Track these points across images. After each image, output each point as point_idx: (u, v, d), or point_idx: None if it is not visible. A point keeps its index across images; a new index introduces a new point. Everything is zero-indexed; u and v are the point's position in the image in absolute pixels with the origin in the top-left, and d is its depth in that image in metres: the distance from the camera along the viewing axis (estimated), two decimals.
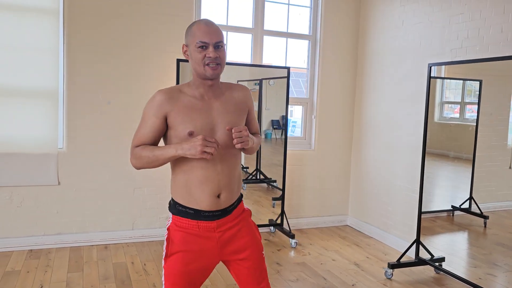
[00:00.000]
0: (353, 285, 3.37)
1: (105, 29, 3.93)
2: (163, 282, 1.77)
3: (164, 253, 1.76)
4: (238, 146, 1.67)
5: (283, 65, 4.76)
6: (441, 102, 3.82)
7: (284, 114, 4.44)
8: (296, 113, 6.98)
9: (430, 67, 3.57)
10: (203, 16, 4.32)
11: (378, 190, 4.51)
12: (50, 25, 3.77)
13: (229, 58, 4.60)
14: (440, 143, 3.83)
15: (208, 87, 1.74)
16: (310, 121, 4.84)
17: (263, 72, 4.50)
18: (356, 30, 4.85)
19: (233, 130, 1.67)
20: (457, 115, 3.71)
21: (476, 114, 3.44)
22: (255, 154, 4.64)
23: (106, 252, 3.86)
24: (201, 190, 1.72)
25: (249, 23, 4.56)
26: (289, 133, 5.66)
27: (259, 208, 4.61)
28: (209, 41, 1.66)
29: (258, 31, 4.56)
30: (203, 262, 1.76)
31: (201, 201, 1.72)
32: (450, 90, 3.90)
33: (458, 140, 3.72)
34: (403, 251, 3.68)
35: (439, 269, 3.52)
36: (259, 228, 4.48)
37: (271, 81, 4.52)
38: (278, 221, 4.44)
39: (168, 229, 1.79)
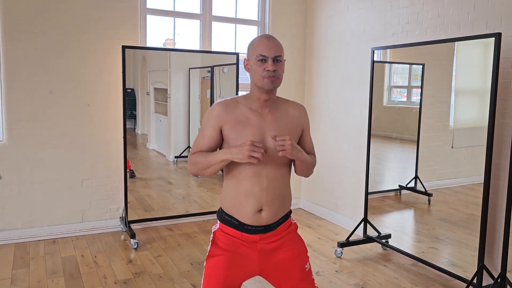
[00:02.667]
0: None
1: (45, 15, 3.76)
2: (202, 282, 1.81)
3: (207, 254, 1.81)
4: (280, 153, 1.65)
5: (233, 51, 4.74)
6: (390, 86, 3.94)
7: None
8: None
9: (373, 51, 3.67)
10: (148, 2, 4.22)
11: (329, 172, 4.62)
12: None
13: (178, 45, 4.53)
14: (388, 125, 3.96)
15: (264, 101, 1.76)
16: None
17: (214, 59, 4.47)
18: (304, 16, 4.90)
19: (277, 137, 1.67)
20: (405, 99, 3.84)
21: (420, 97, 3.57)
22: None
23: (54, 246, 3.75)
24: (244, 204, 1.74)
25: (197, 9, 4.51)
26: None
27: (214, 195, 4.62)
28: (268, 54, 1.70)
29: (206, 17, 4.51)
30: (243, 268, 1.78)
31: (244, 214, 1.75)
32: (398, 75, 4.03)
33: (405, 122, 3.86)
34: (351, 230, 3.79)
35: (385, 245, 3.67)
36: (213, 215, 4.50)
37: (225, 68, 4.50)
38: None
39: (214, 232, 1.83)
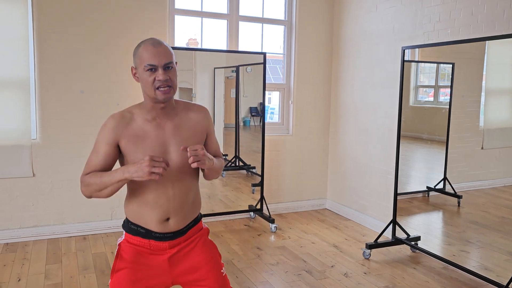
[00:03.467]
0: (332, 266, 3.43)
1: (78, 17, 3.84)
2: None
3: (111, 269, 1.70)
4: (194, 165, 1.55)
5: (259, 51, 4.74)
6: (416, 86, 3.89)
7: (262, 101, 4.44)
8: (274, 100, 6.99)
9: (404, 50, 3.62)
10: (177, 3, 4.26)
11: (355, 173, 4.58)
12: (19, 13, 3.66)
13: (205, 45, 4.56)
14: (415, 126, 3.90)
15: (160, 109, 1.66)
16: (288, 106, 4.86)
17: (239, 58, 4.48)
18: (331, 15, 4.86)
19: (188, 149, 1.56)
20: (432, 99, 3.78)
21: (449, 97, 3.51)
22: (234, 141, 4.64)
23: (85, 243, 3.83)
24: (149, 213, 1.66)
25: (224, 9, 4.53)
26: (267, 120, 5.67)
27: (239, 194, 4.63)
28: (157, 63, 1.58)
29: (233, 16, 4.53)
30: (153, 279, 1.69)
31: (150, 223, 1.67)
32: (424, 74, 3.97)
33: (432, 122, 3.80)
34: (380, 232, 3.76)
35: (414, 247, 3.62)
36: (239, 214, 4.53)
37: (248, 67, 4.51)
38: (258, 207, 4.47)
39: (119, 244, 1.73)
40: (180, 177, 1.68)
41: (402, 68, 3.65)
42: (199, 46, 4.56)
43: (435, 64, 3.76)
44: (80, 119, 3.93)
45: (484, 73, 3.28)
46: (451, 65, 3.54)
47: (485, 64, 3.26)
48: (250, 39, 4.73)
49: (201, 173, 1.79)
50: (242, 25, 4.60)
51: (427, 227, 3.81)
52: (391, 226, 3.72)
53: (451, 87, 3.51)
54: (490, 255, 3.14)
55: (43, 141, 3.84)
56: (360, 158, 4.52)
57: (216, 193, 4.58)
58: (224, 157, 4.60)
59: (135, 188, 1.67)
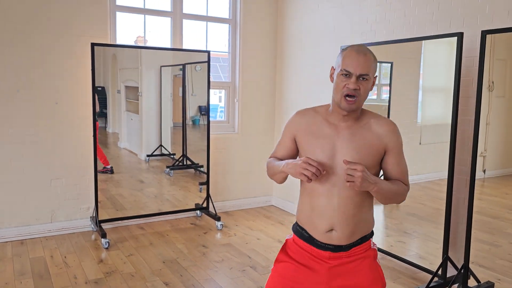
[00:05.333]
0: None
1: (11, 11, 3.67)
2: (268, 281, 1.77)
3: (275, 258, 1.78)
4: (347, 184, 1.50)
5: (204, 49, 4.73)
6: None
7: (207, 99, 4.43)
8: (224, 98, 6.98)
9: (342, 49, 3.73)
10: (119, 1, 4.17)
11: None
12: None
13: (151, 42, 4.50)
14: None
15: (342, 116, 1.63)
16: (233, 105, 4.88)
17: (186, 57, 4.45)
18: (275, 13, 4.93)
19: (347, 165, 1.48)
20: (375, 97, 3.92)
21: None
22: (182, 139, 4.61)
23: (22, 247, 3.67)
24: (315, 221, 1.66)
25: (167, 7, 4.48)
26: (216, 118, 5.66)
27: (186, 193, 4.60)
28: (353, 71, 1.55)
29: (177, 14, 4.49)
30: (309, 283, 1.68)
31: (315, 230, 1.67)
32: None
33: None
34: None
35: None
36: (185, 213, 4.50)
37: (198, 66, 4.49)
38: (204, 205, 4.46)
39: (286, 240, 1.80)
40: (347, 187, 1.60)
41: None
42: (144, 45, 4.49)
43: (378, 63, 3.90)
44: (17, 119, 3.76)
45: (421, 72, 3.44)
46: (390, 64, 3.68)
47: (421, 63, 3.42)
48: (195, 37, 4.71)
49: None
50: (186, 23, 4.58)
51: None
52: None
53: (390, 85, 3.66)
54: (424, 244, 3.31)
55: None
56: None
57: (163, 192, 4.53)
58: (171, 156, 4.56)
59: (305, 192, 1.72)
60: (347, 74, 1.56)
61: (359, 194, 1.63)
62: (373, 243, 1.76)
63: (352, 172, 1.47)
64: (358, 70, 1.55)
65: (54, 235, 3.96)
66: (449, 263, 2.94)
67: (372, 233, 1.74)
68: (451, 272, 2.97)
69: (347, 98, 1.57)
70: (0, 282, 3.03)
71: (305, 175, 1.52)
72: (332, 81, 1.64)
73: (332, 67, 1.66)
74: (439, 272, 2.93)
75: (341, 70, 1.57)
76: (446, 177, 2.98)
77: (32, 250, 3.62)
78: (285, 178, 1.74)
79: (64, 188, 4.00)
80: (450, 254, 3.04)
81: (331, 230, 1.64)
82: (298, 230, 1.74)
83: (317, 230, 1.66)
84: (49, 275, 3.16)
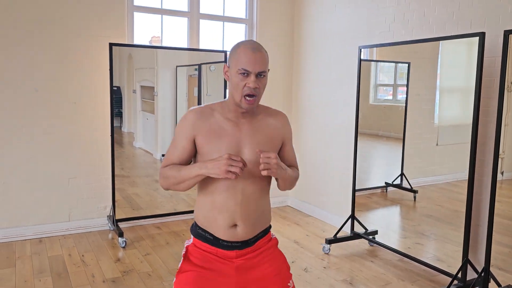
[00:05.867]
0: (293, 261, 3.48)
1: (32, 13, 3.71)
2: None
3: (178, 269, 1.70)
4: (264, 173, 1.53)
5: (221, 49, 4.74)
6: (376, 84, 3.99)
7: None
8: None
9: (360, 49, 3.71)
10: (136, 1, 4.19)
11: (316, 170, 4.65)
12: None
13: (166, 42, 4.52)
14: (375, 123, 4.00)
15: (241, 112, 1.65)
16: None
17: (201, 57, 4.46)
18: (292, 14, 4.92)
19: (261, 155, 1.52)
20: (391, 97, 3.89)
21: (405, 95, 3.62)
22: None
23: (40, 245, 3.71)
24: (218, 219, 1.64)
25: (184, 7, 4.49)
26: None
27: None
28: (252, 70, 1.55)
29: (194, 14, 4.50)
30: (218, 285, 1.67)
31: (219, 230, 1.64)
32: (384, 73, 4.08)
33: (391, 120, 3.91)
34: (339, 227, 3.84)
35: (372, 241, 3.72)
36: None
37: (212, 66, 4.50)
38: None
39: (186, 247, 1.73)
40: (251, 181, 1.64)
41: (359, 66, 3.73)
42: (160, 45, 4.51)
43: (394, 64, 3.87)
44: (36, 118, 3.81)
45: (438, 72, 3.41)
46: (407, 64, 3.65)
47: (439, 63, 3.38)
48: (211, 37, 4.71)
49: (274, 183, 1.73)
50: (203, 23, 4.59)
51: (385, 222, 3.93)
52: (349, 221, 3.81)
53: (407, 85, 3.62)
54: (442, 247, 3.27)
55: None
56: (320, 155, 4.60)
57: (178, 192, 4.55)
58: None
59: (205, 190, 1.66)
60: (245, 73, 1.56)
61: (261, 188, 1.68)
62: (272, 233, 1.82)
63: (268, 160, 1.52)
64: (256, 68, 1.55)
65: (72, 233, 4.00)
66: (469, 266, 2.90)
67: (270, 225, 1.79)
68: (471, 275, 2.93)
69: (247, 98, 1.57)
70: (19, 280, 3.07)
71: (232, 172, 1.49)
72: (227, 79, 1.64)
73: (225, 65, 1.65)
74: (459, 275, 2.89)
75: (238, 69, 1.56)
76: (464, 178, 2.94)
77: (51, 248, 3.66)
78: (194, 184, 1.62)
79: (81, 187, 4.04)
80: (470, 257, 3.00)
81: (235, 225, 1.64)
82: (201, 234, 1.69)
83: (221, 228, 1.64)
84: (67, 274, 3.19)
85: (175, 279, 1.69)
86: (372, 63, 3.97)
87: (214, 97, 4.59)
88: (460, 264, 2.92)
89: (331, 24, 4.38)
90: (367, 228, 3.77)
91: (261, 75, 1.58)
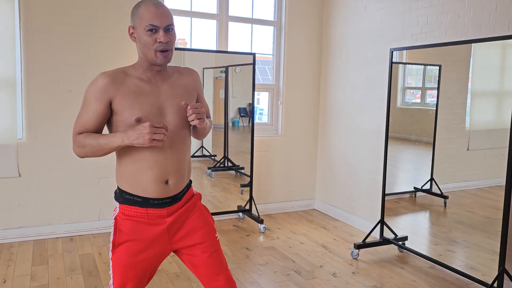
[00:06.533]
0: (321, 266, 3.45)
1: (64, 13, 3.80)
2: (111, 275, 1.67)
3: (110, 245, 1.66)
4: (195, 122, 1.61)
5: (249, 51, 4.75)
6: (403, 87, 3.92)
7: (251, 102, 4.44)
8: (262, 101, 7.00)
9: (392, 52, 3.65)
10: (166, 3, 4.24)
11: (344, 173, 4.61)
12: (5, 11, 3.61)
13: (194, 45, 4.55)
14: (402, 127, 3.94)
15: (156, 71, 1.67)
16: (277, 107, 4.87)
17: (228, 59, 4.48)
18: (321, 16, 4.89)
19: (189, 106, 1.61)
20: (419, 100, 3.82)
21: (436, 98, 3.55)
22: (223, 142, 4.63)
23: (72, 244, 3.78)
24: (148, 176, 1.63)
25: (213, 9, 4.52)
26: (256, 120, 5.67)
27: (227, 195, 4.62)
28: (159, 24, 1.56)
29: (222, 17, 4.52)
30: (154, 251, 1.68)
31: (149, 188, 1.64)
32: (412, 76, 4.01)
33: (419, 124, 3.84)
34: (368, 232, 3.78)
35: (402, 247, 3.65)
36: (228, 215, 4.52)
37: (237, 68, 4.51)
38: (247, 207, 4.47)
39: (115, 218, 1.69)
40: (178, 136, 1.69)
41: (390, 69, 3.68)
42: (188, 46, 4.54)
43: (422, 66, 3.80)
44: (68, 119, 3.88)
45: (470, 75, 3.33)
46: (438, 67, 3.58)
47: (471, 66, 3.30)
48: (239, 39, 4.73)
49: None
50: (232, 25, 4.60)
51: (414, 227, 3.85)
52: (379, 226, 3.75)
53: (438, 88, 3.55)
54: (475, 255, 3.19)
55: (29, 140, 3.79)
56: (348, 159, 4.55)
57: (205, 194, 4.57)
58: (212, 157, 4.60)
59: (128, 153, 1.65)
60: (153, 29, 1.57)
61: (185, 142, 1.72)
62: (193, 188, 1.86)
63: (197, 110, 1.61)
64: (164, 22, 1.57)
65: (102, 232, 4.06)
66: (505, 276, 2.81)
67: (191, 180, 1.83)
68: (507, 285, 2.84)
69: (162, 53, 1.59)
70: (52, 277, 3.13)
71: (157, 140, 1.52)
72: (134, 41, 1.64)
73: (130, 26, 1.64)
74: (495, 284, 2.81)
75: (145, 26, 1.56)
76: (496, 184, 2.87)
77: (81, 246, 3.72)
78: (108, 153, 1.63)
79: (111, 187, 4.10)
80: (506, 266, 2.91)
81: (166, 182, 1.66)
82: (128, 199, 1.66)
83: (151, 186, 1.63)
84: (97, 272, 3.24)
85: (111, 254, 1.66)
86: (400, 65, 3.91)
87: (239, 99, 4.59)
88: (495, 273, 2.84)
89: (361, 26, 4.34)
90: (397, 233, 3.70)
91: (169, 29, 1.60)
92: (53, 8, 3.76)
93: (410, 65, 3.94)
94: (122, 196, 1.69)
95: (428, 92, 3.71)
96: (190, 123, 1.63)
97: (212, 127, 1.93)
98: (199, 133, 1.83)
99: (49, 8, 3.74)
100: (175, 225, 1.71)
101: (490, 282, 2.83)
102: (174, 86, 1.71)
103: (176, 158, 1.68)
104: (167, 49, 1.60)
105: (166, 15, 1.58)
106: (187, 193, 1.78)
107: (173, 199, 1.70)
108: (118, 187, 1.73)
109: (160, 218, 1.67)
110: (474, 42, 3.09)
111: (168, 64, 1.74)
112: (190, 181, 1.83)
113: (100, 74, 1.61)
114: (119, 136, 1.56)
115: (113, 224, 1.69)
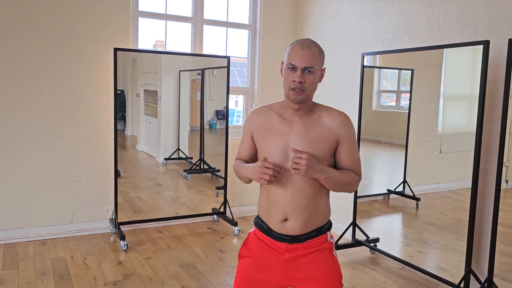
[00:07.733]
0: None
1: (36, 16, 3.74)
2: (235, 277, 1.83)
3: (238, 252, 1.84)
4: (292, 172, 1.57)
5: (224, 54, 4.75)
6: (379, 91, 3.98)
7: (226, 104, 4.45)
8: (240, 103, 7.01)
9: (363, 56, 3.71)
10: (140, 5, 4.22)
11: None
12: None
13: (170, 47, 4.54)
14: (377, 130, 3.99)
15: (294, 110, 1.68)
16: (251, 110, 4.87)
17: (205, 61, 4.48)
18: (295, 20, 4.93)
19: (294, 153, 1.58)
20: (394, 104, 3.89)
21: (409, 102, 3.62)
22: (199, 144, 4.63)
23: (43, 247, 3.72)
24: (271, 211, 1.72)
25: (188, 12, 4.51)
26: (233, 123, 5.68)
27: (203, 197, 4.62)
28: (298, 64, 1.61)
29: (197, 20, 4.52)
30: (270, 277, 1.73)
31: (272, 220, 1.72)
32: (387, 79, 4.08)
33: (394, 126, 3.90)
34: (340, 234, 3.83)
35: (373, 249, 3.71)
36: (203, 217, 4.51)
37: (215, 71, 4.51)
38: (221, 210, 4.47)
39: (249, 233, 1.85)
40: (302, 179, 1.66)
41: (362, 73, 3.74)
42: (164, 49, 4.53)
43: (397, 70, 3.87)
44: (41, 121, 3.83)
45: (442, 79, 3.40)
46: (410, 71, 3.65)
47: (443, 70, 3.38)
48: (215, 42, 4.73)
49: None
50: (207, 28, 4.61)
51: (387, 229, 3.91)
52: (351, 228, 3.80)
53: (411, 92, 3.62)
54: (445, 256, 3.26)
55: (1, 142, 3.72)
56: None
57: (180, 196, 4.56)
58: (189, 160, 4.58)
59: (262, 186, 1.76)
60: (293, 68, 1.62)
61: (312, 186, 1.67)
62: (331, 235, 1.79)
63: (298, 160, 1.55)
64: (302, 63, 1.61)
65: (75, 236, 4.00)
66: (472, 276, 2.88)
67: (329, 226, 1.78)
68: (474, 285, 2.91)
69: (294, 90, 1.62)
70: (22, 281, 3.08)
71: (264, 179, 1.59)
72: (282, 75, 1.69)
73: (282, 61, 1.71)
74: (461, 285, 2.88)
75: (287, 64, 1.64)
76: (467, 186, 2.93)
77: (53, 250, 3.66)
78: (251, 181, 1.76)
79: (85, 190, 4.05)
80: (473, 266, 2.98)
81: (286, 219, 1.69)
82: (259, 223, 1.79)
83: (273, 220, 1.71)
84: (69, 276, 3.19)
85: (238, 261, 1.84)
86: (375, 69, 3.97)
87: (216, 101, 4.60)
88: (463, 273, 2.91)
89: (335, 30, 4.39)
90: (369, 235, 3.76)
91: (308, 70, 1.62)
92: (23, 10, 3.69)
93: (385, 69, 4.00)
94: (256, 220, 1.82)
95: (403, 95, 3.78)
96: (291, 171, 1.59)
97: (354, 182, 1.75)
98: (329, 185, 1.67)
99: (19, 11, 3.68)
100: (294, 262, 1.72)
101: (457, 283, 2.90)
102: (309, 129, 1.68)
103: (296, 199, 1.67)
104: (299, 89, 1.62)
105: (308, 57, 1.61)
106: (315, 238, 1.72)
107: (293, 238, 1.70)
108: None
109: (280, 250, 1.73)
110: (442, 48, 3.17)
111: (321, 104, 1.76)
112: (328, 227, 1.77)
113: (252, 110, 1.80)
114: (246, 168, 1.71)
115: (246, 238, 1.85)
